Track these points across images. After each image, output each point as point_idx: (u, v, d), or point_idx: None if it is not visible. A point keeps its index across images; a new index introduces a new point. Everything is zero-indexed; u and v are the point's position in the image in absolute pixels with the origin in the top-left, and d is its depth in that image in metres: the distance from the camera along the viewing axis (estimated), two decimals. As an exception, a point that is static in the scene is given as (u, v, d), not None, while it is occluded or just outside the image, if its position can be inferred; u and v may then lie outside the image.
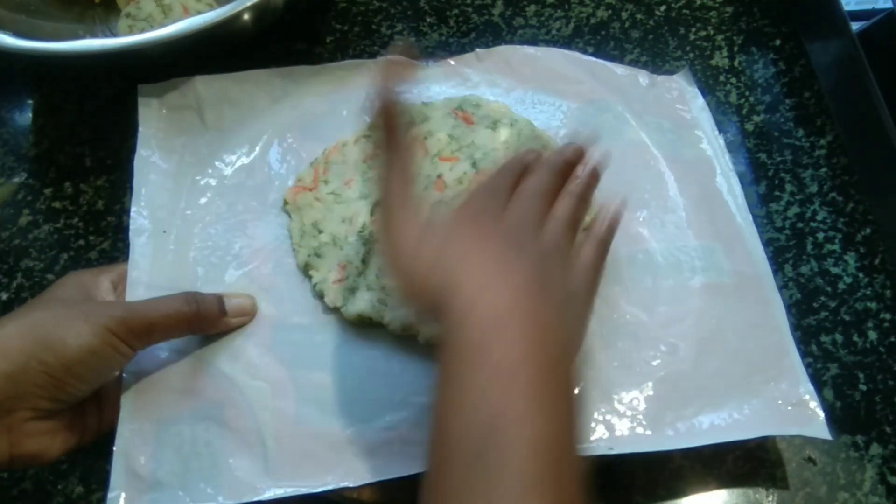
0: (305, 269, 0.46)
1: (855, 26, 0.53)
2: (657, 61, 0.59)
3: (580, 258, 0.38)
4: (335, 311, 0.44)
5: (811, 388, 0.41)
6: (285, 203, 0.49)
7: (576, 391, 0.34)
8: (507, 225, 0.37)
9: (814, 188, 0.53)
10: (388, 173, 0.36)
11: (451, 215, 0.37)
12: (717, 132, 0.52)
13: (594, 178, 0.41)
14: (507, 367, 0.30)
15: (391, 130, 0.36)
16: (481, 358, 0.30)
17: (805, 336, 0.47)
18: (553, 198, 0.39)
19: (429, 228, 0.35)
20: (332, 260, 0.46)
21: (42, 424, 0.37)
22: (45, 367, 0.35)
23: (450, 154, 0.49)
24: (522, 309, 0.32)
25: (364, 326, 0.44)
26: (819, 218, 0.51)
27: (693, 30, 0.61)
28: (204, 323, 0.41)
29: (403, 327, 0.43)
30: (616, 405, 0.40)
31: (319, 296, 0.45)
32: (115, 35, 0.58)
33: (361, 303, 0.44)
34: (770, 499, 0.42)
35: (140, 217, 0.47)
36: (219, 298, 0.42)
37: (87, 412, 0.40)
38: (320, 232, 0.47)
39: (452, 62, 0.55)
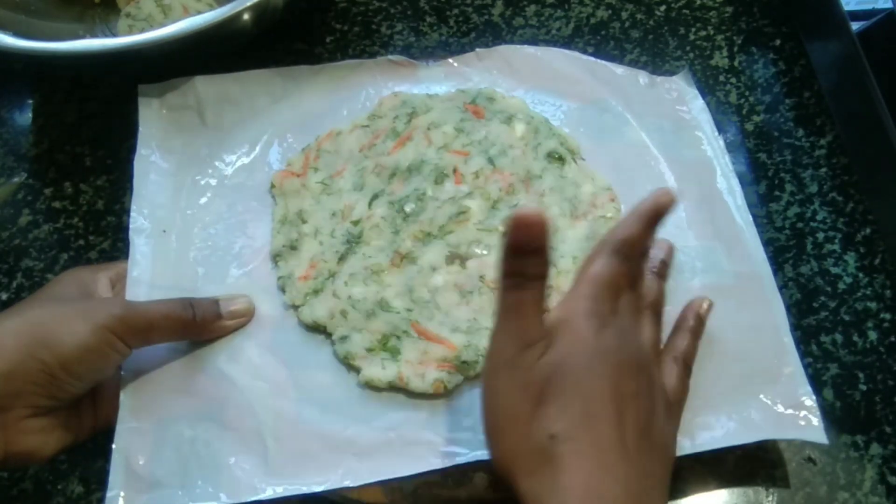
0: (275, 259, 0.46)
1: (855, 26, 0.53)
2: (657, 61, 0.59)
3: (667, 371, 0.38)
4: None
5: (810, 390, 0.41)
6: (272, 186, 0.49)
7: None
8: (616, 329, 0.35)
9: (814, 188, 0.53)
10: (505, 325, 0.34)
11: (558, 353, 0.34)
12: (716, 133, 0.52)
13: (671, 253, 0.42)
14: None
15: (523, 278, 0.34)
16: None
17: (805, 336, 0.47)
18: (640, 281, 0.39)
19: (538, 392, 0.33)
20: (306, 254, 0.46)
21: (38, 422, 0.37)
22: (41, 364, 0.35)
23: (460, 148, 0.49)
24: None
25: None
26: (819, 218, 0.51)
27: (693, 30, 0.61)
28: (201, 327, 0.41)
29: (346, 355, 0.42)
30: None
31: (281, 290, 0.45)
32: (115, 35, 0.58)
33: (321, 309, 0.43)
34: (770, 499, 0.42)
35: (140, 217, 0.47)
36: (215, 302, 0.42)
37: (83, 410, 0.40)
38: (304, 222, 0.47)
39: (453, 62, 0.55)
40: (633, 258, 0.37)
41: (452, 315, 0.43)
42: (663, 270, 0.41)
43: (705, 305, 0.42)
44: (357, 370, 0.42)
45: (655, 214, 0.37)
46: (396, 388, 0.41)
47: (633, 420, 0.33)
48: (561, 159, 0.48)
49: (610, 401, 0.33)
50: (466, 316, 0.43)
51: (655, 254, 0.41)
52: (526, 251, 0.33)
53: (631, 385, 0.34)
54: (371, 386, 0.41)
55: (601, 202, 0.47)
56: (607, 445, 0.32)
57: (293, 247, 0.46)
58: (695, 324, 0.41)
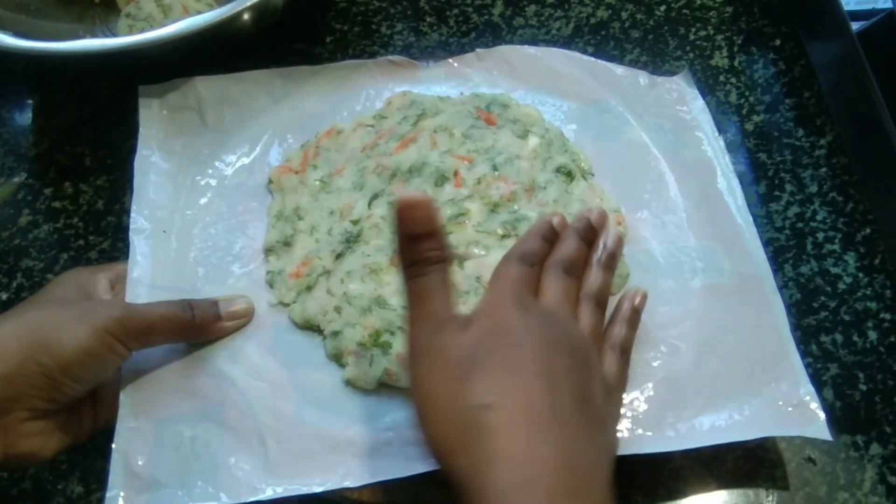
0: (267, 254, 0.46)
1: (855, 26, 0.53)
2: (657, 61, 0.59)
3: (607, 360, 0.38)
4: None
5: (812, 388, 0.41)
6: (269, 181, 0.49)
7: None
8: (547, 312, 0.36)
9: (814, 188, 0.53)
10: (415, 312, 0.34)
11: (479, 332, 0.34)
12: (717, 133, 0.52)
13: (620, 245, 0.41)
14: None
15: (422, 263, 0.34)
16: None
17: (805, 336, 0.47)
18: (581, 270, 0.39)
19: (462, 370, 0.33)
20: (299, 251, 0.46)
21: (37, 424, 0.37)
22: (41, 368, 0.35)
23: (465, 154, 0.49)
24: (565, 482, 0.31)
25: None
26: (819, 218, 0.51)
27: (693, 30, 0.61)
28: (200, 329, 0.41)
29: (336, 352, 0.42)
30: (616, 405, 0.40)
31: (269, 285, 0.45)
32: (115, 35, 0.58)
33: (313, 306, 0.43)
34: (770, 499, 0.42)
35: (140, 217, 0.47)
36: (214, 303, 0.42)
37: (83, 411, 0.40)
38: (300, 219, 0.47)
39: (453, 62, 0.55)
40: (537, 264, 0.38)
41: None
42: (609, 262, 0.40)
43: (639, 297, 0.41)
44: (343, 364, 0.42)
45: (549, 231, 0.39)
46: (386, 386, 0.41)
47: (567, 392, 0.33)
48: (570, 174, 0.48)
49: (540, 373, 0.33)
50: None
51: (604, 244, 0.41)
52: (419, 236, 0.33)
53: (563, 361, 0.34)
54: (355, 386, 0.41)
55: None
56: (541, 411, 0.32)
57: (287, 243, 0.46)
58: (630, 314, 0.41)
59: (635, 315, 0.41)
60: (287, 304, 0.44)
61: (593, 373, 0.35)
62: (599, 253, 0.40)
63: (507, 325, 0.34)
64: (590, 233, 0.40)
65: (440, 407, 0.33)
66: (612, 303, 0.41)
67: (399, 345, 0.42)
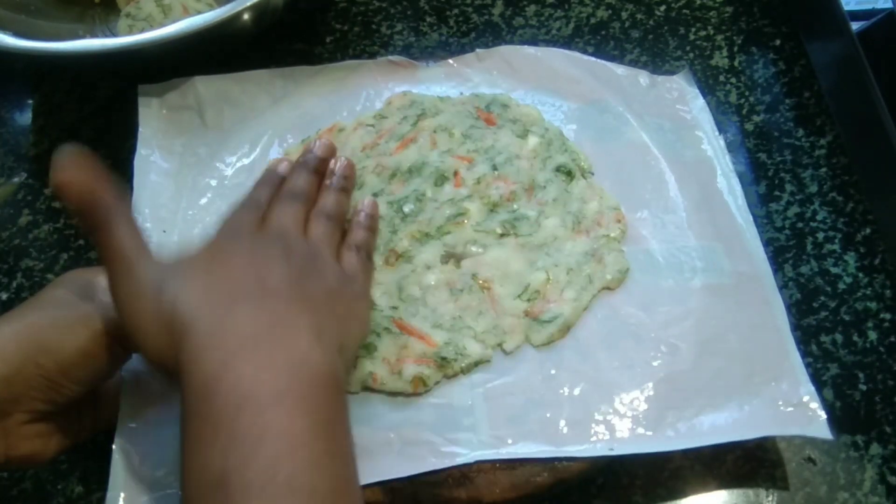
0: None
1: (855, 26, 0.53)
2: (657, 61, 0.59)
3: (346, 262, 0.41)
4: None
5: (812, 388, 0.41)
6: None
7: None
8: (268, 233, 0.38)
9: (814, 188, 0.53)
10: (106, 257, 0.34)
11: (202, 248, 0.36)
12: (717, 133, 0.52)
13: (351, 168, 0.45)
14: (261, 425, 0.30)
15: (91, 209, 0.34)
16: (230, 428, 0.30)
17: (805, 336, 0.47)
18: (314, 196, 0.42)
19: (168, 276, 0.34)
20: None
21: (37, 426, 0.37)
22: (40, 369, 0.35)
23: (465, 153, 0.49)
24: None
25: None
26: (819, 218, 0.51)
27: (693, 30, 0.61)
28: None
29: None
30: (616, 406, 0.40)
31: None
32: (115, 35, 0.58)
33: None
34: (770, 499, 0.42)
35: (140, 217, 0.47)
36: None
37: (83, 412, 0.40)
38: None
39: (453, 62, 0.55)
40: (262, 208, 0.40)
41: (438, 312, 0.43)
42: (342, 184, 0.44)
43: (371, 205, 0.45)
44: None
45: (277, 177, 0.42)
46: (370, 390, 0.41)
47: (276, 278, 0.35)
48: (569, 174, 0.48)
49: (243, 271, 0.35)
50: (451, 313, 0.43)
51: (333, 171, 0.44)
52: (83, 210, 0.33)
53: (273, 260, 0.36)
54: None
55: (606, 221, 0.47)
56: (236, 290, 0.34)
57: None
58: (366, 220, 0.44)
59: (370, 219, 0.44)
60: None
61: (321, 266, 0.38)
62: (331, 178, 0.44)
63: (211, 250, 0.36)
64: (319, 163, 0.44)
65: (147, 333, 0.33)
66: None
67: (384, 347, 0.42)
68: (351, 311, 0.38)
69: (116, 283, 0.34)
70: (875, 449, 0.43)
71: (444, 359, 0.41)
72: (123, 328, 0.34)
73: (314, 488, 0.29)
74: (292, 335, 0.33)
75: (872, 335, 0.47)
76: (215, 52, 0.53)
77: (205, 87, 0.52)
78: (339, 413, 0.33)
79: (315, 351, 0.33)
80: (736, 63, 0.59)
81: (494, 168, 0.48)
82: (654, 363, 0.42)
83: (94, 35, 0.59)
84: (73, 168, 0.33)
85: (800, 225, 0.51)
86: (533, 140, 0.50)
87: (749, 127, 0.56)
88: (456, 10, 0.62)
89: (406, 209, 0.46)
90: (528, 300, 0.43)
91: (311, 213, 0.41)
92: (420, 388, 0.41)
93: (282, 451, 0.29)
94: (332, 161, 0.45)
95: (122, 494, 0.38)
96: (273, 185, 0.42)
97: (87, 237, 0.52)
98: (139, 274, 0.34)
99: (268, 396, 0.30)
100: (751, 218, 0.47)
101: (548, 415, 0.40)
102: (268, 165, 0.45)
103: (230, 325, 0.32)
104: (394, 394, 0.41)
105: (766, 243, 0.48)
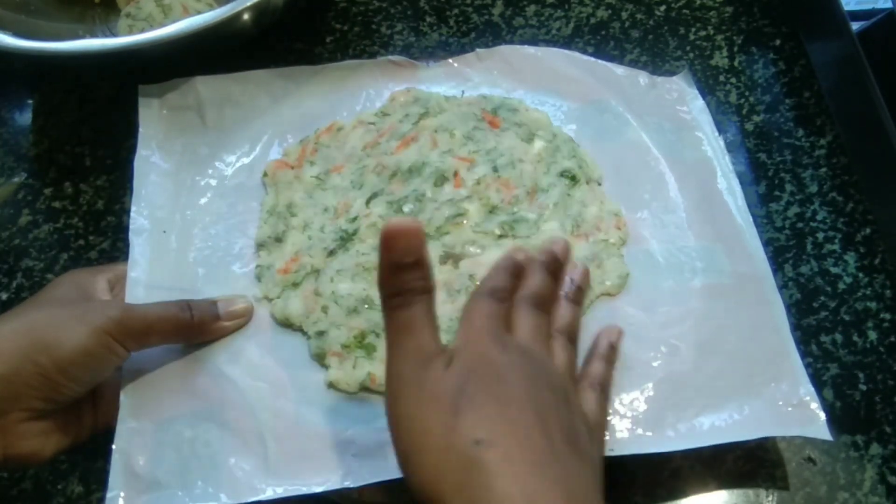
0: (258, 249, 0.46)
1: (855, 26, 0.53)
2: (657, 61, 0.59)
3: (585, 401, 0.37)
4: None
5: (812, 388, 0.41)
6: (265, 175, 0.49)
7: None
8: (521, 348, 0.35)
9: (814, 188, 0.53)
10: (398, 345, 0.33)
11: (464, 366, 0.33)
12: (717, 134, 0.52)
13: (587, 277, 0.42)
14: None
15: (406, 294, 0.32)
16: None
17: (805, 336, 0.47)
18: (552, 305, 0.39)
19: (452, 405, 0.31)
20: (290, 247, 0.45)
21: (36, 425, 0.37)
22: (39, 368, 0.35)
23: (466, 154, 0.49)
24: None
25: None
26: (819, 218, 0.51)
27: (693, 30, 0.61)
28: (199, 329, 0.41)
29: (319, 353, 0.42)
30: (616, 406, 0.40)
31: (257, 278, 0.45)
32: (115, 35, 0.58)
33: (295, 304, 0.43)
34: (770, 499, 0.42)
35: (140, 217, 0.47)
36: (213, 303, 0.42)
37: (83, 411, 0.40)
38: (293, 215, 0.47)
39: (453, 62, 0.55)
40: (507, 300, 0.37)
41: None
42: (578, 296, 0.40)
43: (615, 334, 0.41)
44: (326, 367, 0.42)
45: (515, 266, 0.39)
46: (369, 391, 0.41)
47: (556, 426, 0.32)
48: (574, 178, 0.48)
49: (529, 407, 0.32)
50: (449, 314, 0.43)
51: (571, 279, 0.41)
52: (404, 265, 0.32)
53: (548, 396, 0.33)
54: (337, 389, 0.41)
55: (606, 226, 0.46)
56: (536, 447, 0.31)
57: (278, 238, 0.46)
58: (608, 351, 0.40)
59: (612, 352, 0.40)
60: (271, 300, 0.44)
61: (573, 408, 0.35)
62: (567, 287, 0.40)
63: (489, 359, 0.33)
64: (556, 265, 0.40)
65: (432, 444, 0.31)
66: (586, 341, 0.41)
67: (384, 349, 0.42)
68: (597, 477, 0.34)
69: (400, 371, 0.32)
70: (875, 449, 0.43)
71: None
72: (396, 430, 0.32)
73: None
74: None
75: (872, 335, 0.47)
76: (215, 52, 0.53)
77: (205, 87, 0.52)
78: None
79: None
80: (736, 63, 0.59)
81: (495, 170, 0.48)
82: (654, 363, 0.42)
83: (94, 35, 0.59)
84: (415, 224, 0.32)
85: (800, 225, 0.51)
86: (539, 144, 0.50)
87: (749, 127, 0.56)
88: (456, 10, 0.62)
89: (405, 209, 0.46)
90: None
91: (552, 329, 0.38)
92: None
93: None
94: (569, 266, 0.41)
95: (122, 494, 0.38)
96: (514, 276, 0.39)
97: (86, 237, 0.52)
98: (433, 373, 0.32)
99: None
100: (751, 218, 0.47)
101: (547, 415, 0.40)
102: (506, 252, 0.40)
103: (534, 491, 0.29)
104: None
105: (766, 243, 0.48)
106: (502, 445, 0.30)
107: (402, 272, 0.32)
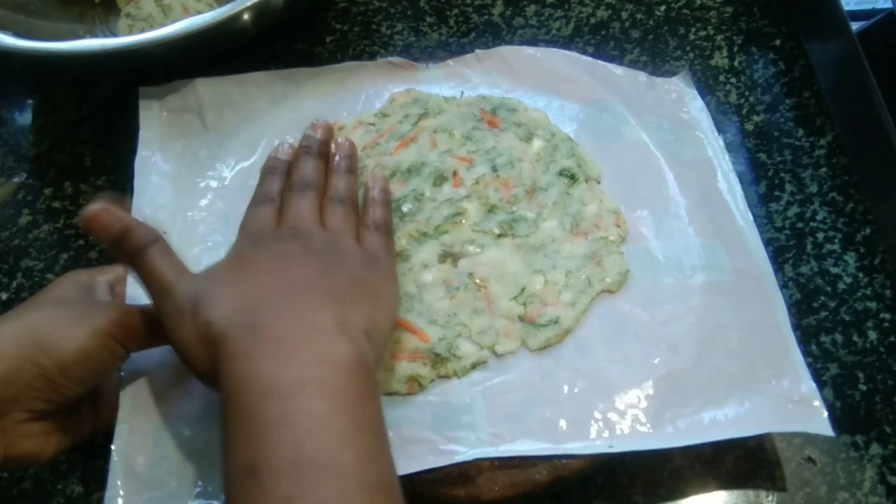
0: None
1: (855, 26, 0.53)
2: (657, 61, 0.59)
3: (368, 243, 0.41)
4: None
5: (813, 385, 0.41)
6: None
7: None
8: (287, 230, 0.39)
9: (814, 188, 0.53)
10: (151, 289, 0.37)
11: (226, 262, 0.38)
12: (716, 134, 0.52)
13: (352, 148, 0.46)
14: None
15: (136, 252, 0.37)
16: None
17: (805, 336, 0.47)
18: (323, 182, 0.43)
19: (191, 306, 0.35)
20: None
21: (36, 426, 0.37)
22: (39, 369, 0.35)
23: (465, 154, 0.49)
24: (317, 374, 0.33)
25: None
26: (819, 218, 0.51)
27: (693, 30, 0.61)
28: None
29: None
30: (616, 403, 0.40)
31: None
32: (115, 35, 0.58)
33: None
34: (770, 499, 0.42)
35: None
36: None
37: (83, 412, 0.40)
38: None
39: (452, 63, 0.55)
40: (276, 198, 0.42)
41: (433, 308, 0.43)
42: (347, 164, 0.45)
43: (381, 179, 0.45)
44: None
45: (284, 166, 0.44)
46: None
47: (303, 273, 0.37)
48: (573, 177, 0.48)
49: (275, 279, 0.36)
50: (447, 310, 0.43)
51: (339, 155, 0.45)
52: (117, 237, 0.37)
53: (313, 262, 0.37)
54: None
55: (605, 224, 0.47)
56: (265, 295, 0.35)
57: None
58: (381, 195, 0.44)
59: (384, 194, 0.45)
60: None
61: (343, 254, 0.39)
62: (335, 161, 0.45)
63: (240, 259, 0.38)
64: (321, 146, 0.45)
65: (190, 345, 0.35)
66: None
67: None
68: (378, 292, 0.39)
69: (159, 306, 0.37)
70: (875, 449, 0.43)
71: (437, 355, 0.41)
72: (174, 348, 0.36)
73: (341, 462, 0.30)
74: (314, 330, 0.34)
75: (872, 335, 0.47)
76: (215, 52, 0.53)
77: (205, 89, 0.52)
78: (366, 391, 0.34)
79: (338, 341, 0.34)
80: (736, 63, 0.59)
81: (494, 169, 0.48)
82: (655, 360, 0.42)
83: (94, 35, 0.59)
84: (100, 205, 0.37)
85: (800, 225, 0.51)
86: (537, 144, 0.50)
87: (749, 127, 0.56)
88: (456, 11, 0.63)
89: (405, 209, 0.46)
90: (525, 303, 0.43)
91: (324, 200, 0.42)
92: (415, 389, 0.41)
93: (304, 433, 0.31)
94: (333, 144, 0.46)
95: (122, 494, 0.38)
96: (282, 174, 0.44)
97: (86, 237, 0.52)
98: (177, 294, 0.36)
99: (289, 387, 0.32)
100: (751, 218, 0.47)
101: (547, 412, 0.40)
102: (269, 152, 0.46)
103: (257, 330, 0.34)
104: (415, 393, 0.41)
105: (766, 243, 0.48)
106: (224, 311, 0.35)
107: (120, 242, 0.37)
